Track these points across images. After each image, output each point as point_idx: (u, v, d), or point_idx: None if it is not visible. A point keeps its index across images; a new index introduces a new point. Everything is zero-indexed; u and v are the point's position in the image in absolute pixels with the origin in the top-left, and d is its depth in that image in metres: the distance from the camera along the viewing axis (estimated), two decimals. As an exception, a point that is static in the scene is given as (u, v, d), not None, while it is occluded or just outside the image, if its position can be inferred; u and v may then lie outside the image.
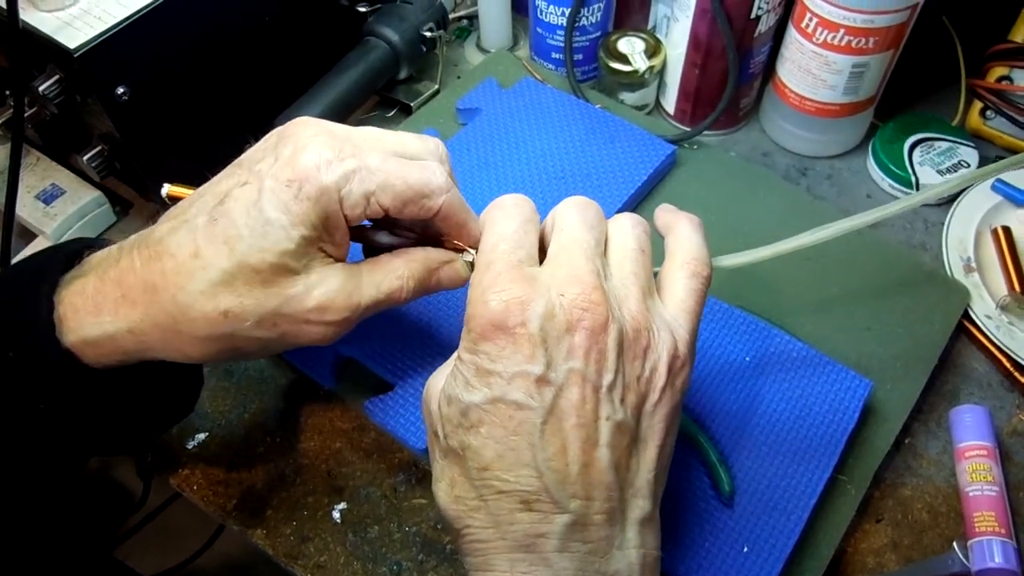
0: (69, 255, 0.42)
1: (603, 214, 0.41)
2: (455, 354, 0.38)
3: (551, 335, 0.35)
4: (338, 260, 0.41)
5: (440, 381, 0.39)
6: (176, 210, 0.40)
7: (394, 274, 0.42)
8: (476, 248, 0.43)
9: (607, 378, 0.35)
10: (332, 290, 0.40)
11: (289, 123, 0.40)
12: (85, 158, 0.62)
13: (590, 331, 0.35)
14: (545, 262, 0.38)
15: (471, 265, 0.44)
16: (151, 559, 1.22)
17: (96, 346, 0.39)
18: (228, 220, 0.38)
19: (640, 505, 0.37)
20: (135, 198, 0.70)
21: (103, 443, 0.44)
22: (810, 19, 0.62)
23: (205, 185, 0.41)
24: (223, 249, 0.38)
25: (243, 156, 0.41)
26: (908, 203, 0.49)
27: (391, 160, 0.40)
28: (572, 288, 0.36)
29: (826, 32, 0.61)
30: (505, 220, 0.39)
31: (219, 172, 0.41)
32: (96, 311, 0.39)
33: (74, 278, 0.40)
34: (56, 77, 0.56)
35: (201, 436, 0.56)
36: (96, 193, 0.66)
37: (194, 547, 1.17)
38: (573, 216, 0.40)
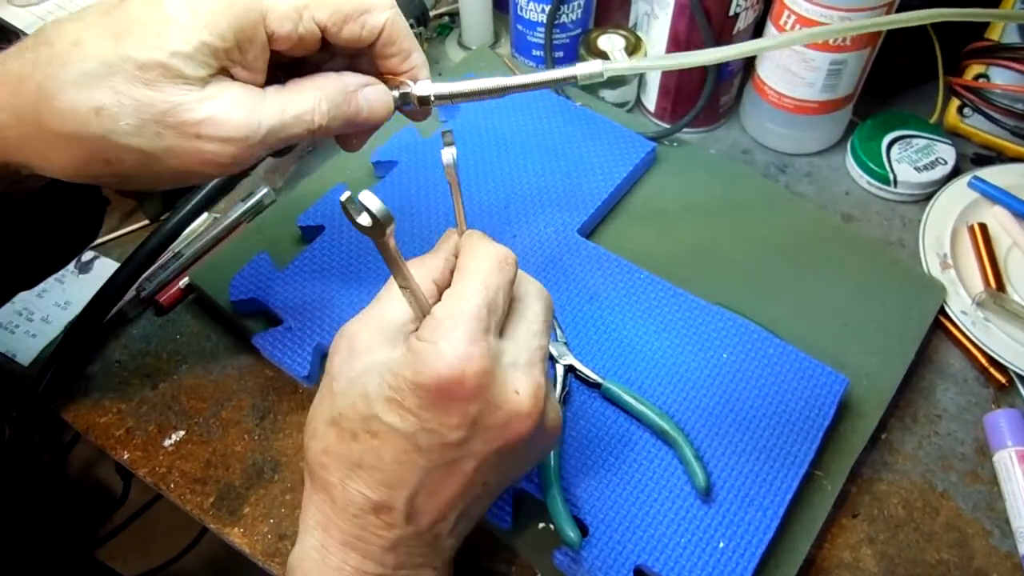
0: None
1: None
2: (404, 340, 0.37)
3: (483, 422, 0.36)
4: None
5: (371, 332, 0.38)
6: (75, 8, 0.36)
7: (303, 93, 0.37)
8: (415, 79, 0.39)
9: (503, 467, 0.38)
10: (229, 103, 0.35)
11: None
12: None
13: (515, 441, 0.37)
14: (508, 336, 0.38)
15: (405, 98, 0.40)
16: (135, 559, 1.22)
17: None
18: (124, 13, 0.34)
19: (449, 546, 0.40)
20: (112, 195, 0.70)
21: None
22: (788, 16, 0.62)
23: None
24: (109, 42, 0.33)
25: None
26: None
27: None
28: (526, 395, 0.36)
29: (804, 29, 0.61)
30: (492, 275, 0.37)
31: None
32: None
33: None
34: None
35: (178, 434, 0.56)
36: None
37: (180, 546, 1.16)
38: (541, 306, 0.40)
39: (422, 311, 0.37)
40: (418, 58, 0.40)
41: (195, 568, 1.22)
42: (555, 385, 0.52)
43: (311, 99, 0.37)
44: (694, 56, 0.40)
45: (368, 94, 0.40)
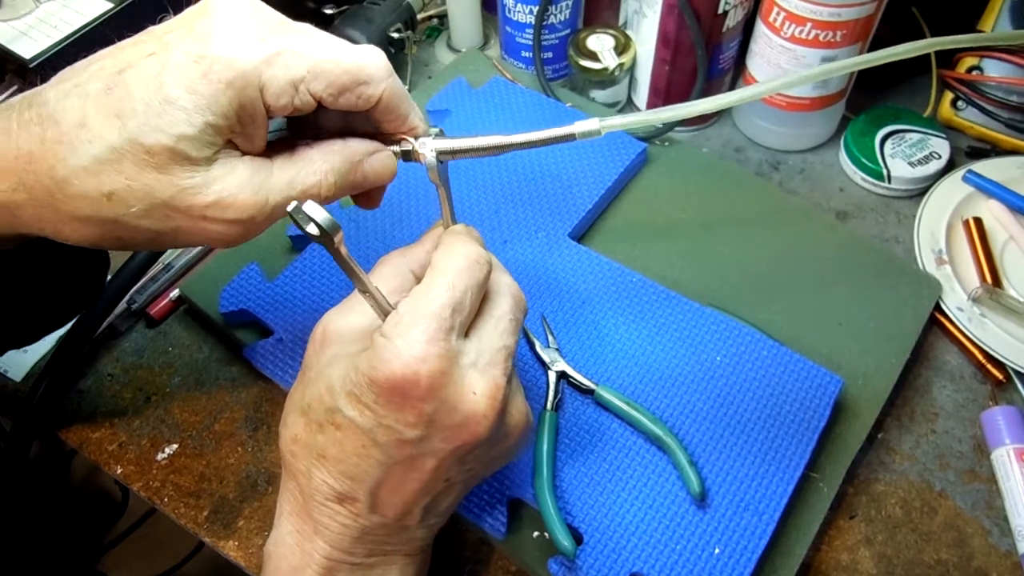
0: None
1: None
2: (368, 328, 0.37)
3: (440, 422, 0.36)
4: (249, 155, 0.37)
5: (345, 324, 0.39)
6: (70, 72, 0.35)
7: (310, 167, 0.37)
8: (415, 136, 0.40)
9: (465, 465, 0.39)
10: (235, 185, 0.35)
11: None
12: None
13: (473, 441, 0.37)
14: (473, 336, 0.38)
15: (406, 155, 0.40)
16: (139, 567, 1.22)
17: None
18: (125, 91, 0.33)
19: (420, 536, 0.41)
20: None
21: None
22: (777, 13, 0.61)
23: (108, 49, 0.36)
24: (114, 123, 0.33)
25: (156, 26, 0.36)
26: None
27: (323, 41, 0.36)
28: (483, 396, 0.36)
29: (794, 26, 0.61)
30: (460, 275, 0.37)
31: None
32: None
33: None
34: (15, 87, 0.55)
35: (171, 447, 0.56)
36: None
37: (183, 552, 1.16)
38: (510, 304, 0.40)
39: (384, 314, 0.37)
40: (415, 119, 0.40)
41: (198, 574, 1.22)
42: (547, 391, 0.52)
43: (318, 173, 0.37)
44: (691, 107, 0.41)
45: (373, 162, 0.40)
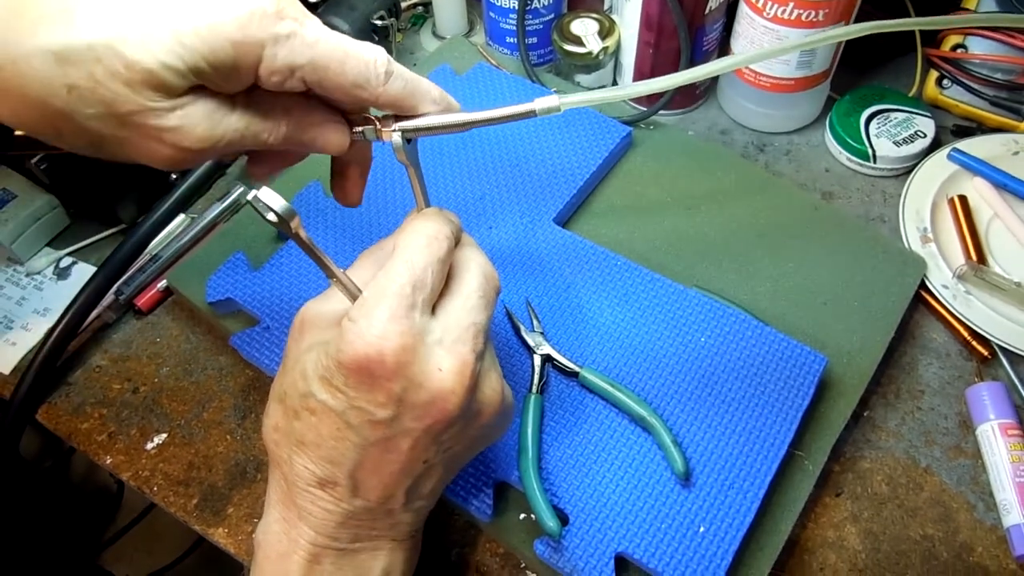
0: None
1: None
2: (342, 314, 0.37)
3: (409, 400, 0.36)
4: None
5: (321, 312, 0.39)
6: None
7: (270, 119, 0.37)
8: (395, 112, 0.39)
9: (442, 445, 0.39)
10: (198, 116, 0.34)
11: None
12: (33, 161, 0.61)
13: (444, 419, 0.37)
14: (440, 313, 0.38)
15: (369, 133, 0.40)
16: (141, 560, 1.22)
17: None
18: (123, 6, 0.32)
19: (407, 521, 0.42)
20: (90, 202, 0.69)
21: None
22: (760, -7, 0.61)
23: None
24: (101, 22, 0.32)
25: None
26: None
27: (335, 36, 0.36)
28: (450, 372, 0.36)
29: (776, 6, 0.61)
30: (418, 252, 0.37)
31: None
32: None
33: None
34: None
35: (160, 437, 0.56)
36: (48, 196, 0.65)
37: (185, 545, 1.17)
38: (479, 280, 0.40)
39: (352, 298, 0.38)
40: (423, 103, 0.40)
41: (200, 566, 1.23)
42: (532, 375, 0.52)
43: (273, 124, 0.37)
44: (650, 84, 0.40)
45: (328, 130, 0.39)
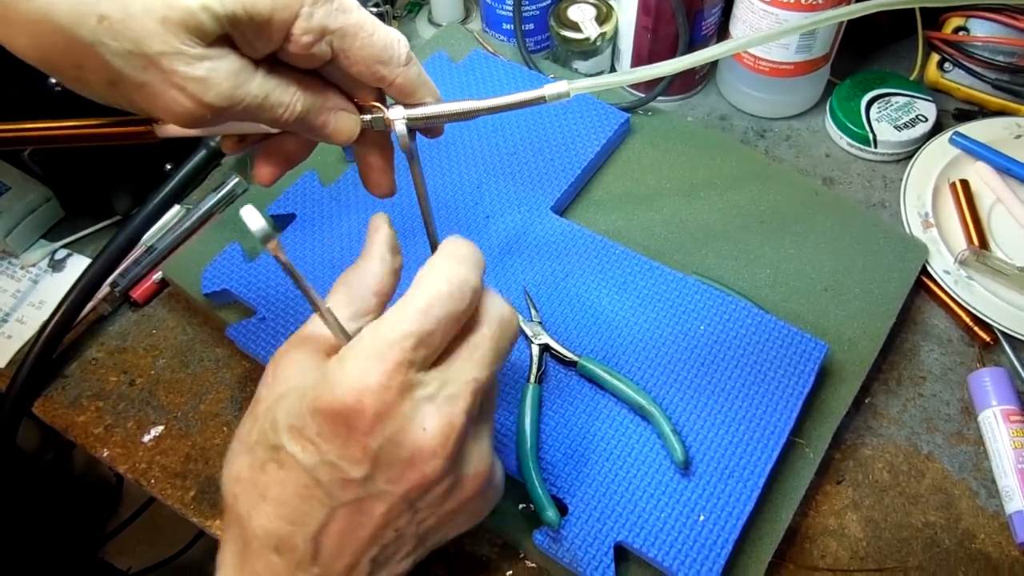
0: None
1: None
2: (322, 357, 0.36)
3: (385, 459, 0.33)
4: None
5: (299, 356, 0.37)
6: None
7: (288, 90, 0.36)
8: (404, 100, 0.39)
9: (417, 514, 0.36)
10: (225, 71, 0.34)
11: None
12: (27, 152, 0.60)
13: (421, 483, 0.34)
14: (442, 364, 0.35)
15: (376, 121, 0.40)
16: (143, 552, 1.23)
17: None
18: None
19: None
20: (85, 193, 0.69)
21: None
22: (758, -23, 0.61)
23: None
24: None
25: None
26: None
27: (365, 12, 0.36)
28: (433, 433, 0.33)
29: (775, -10, 0.60)
30: (437, 301, 0.34)
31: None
32: None
33: None
34: (-11, 71, 0.55)
35: (157, 429, 0.56)
36: (42, 188, 0.64)
37: (188, 536, 1.17)
38: (496, 332, 0.36)
39: (331, 330, 0.36)
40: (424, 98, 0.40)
41: (204, 557, 1.23)
42: (531, 364, 0.52)
43: (292, 96, 0.36)
44: (655, 68, 0.40)
45: (340, 117, 0.39)
